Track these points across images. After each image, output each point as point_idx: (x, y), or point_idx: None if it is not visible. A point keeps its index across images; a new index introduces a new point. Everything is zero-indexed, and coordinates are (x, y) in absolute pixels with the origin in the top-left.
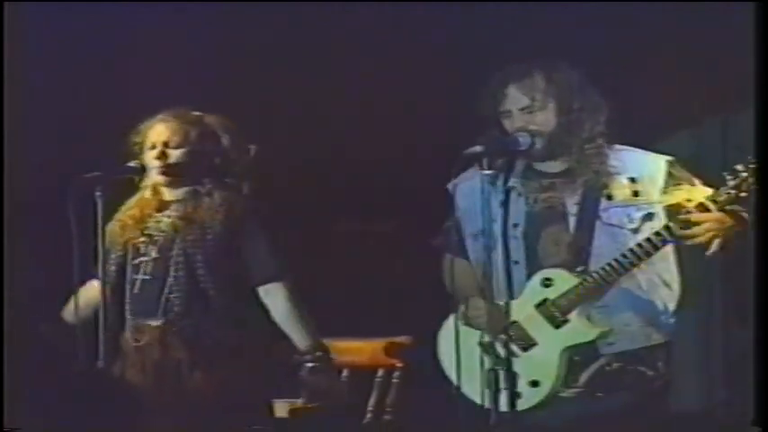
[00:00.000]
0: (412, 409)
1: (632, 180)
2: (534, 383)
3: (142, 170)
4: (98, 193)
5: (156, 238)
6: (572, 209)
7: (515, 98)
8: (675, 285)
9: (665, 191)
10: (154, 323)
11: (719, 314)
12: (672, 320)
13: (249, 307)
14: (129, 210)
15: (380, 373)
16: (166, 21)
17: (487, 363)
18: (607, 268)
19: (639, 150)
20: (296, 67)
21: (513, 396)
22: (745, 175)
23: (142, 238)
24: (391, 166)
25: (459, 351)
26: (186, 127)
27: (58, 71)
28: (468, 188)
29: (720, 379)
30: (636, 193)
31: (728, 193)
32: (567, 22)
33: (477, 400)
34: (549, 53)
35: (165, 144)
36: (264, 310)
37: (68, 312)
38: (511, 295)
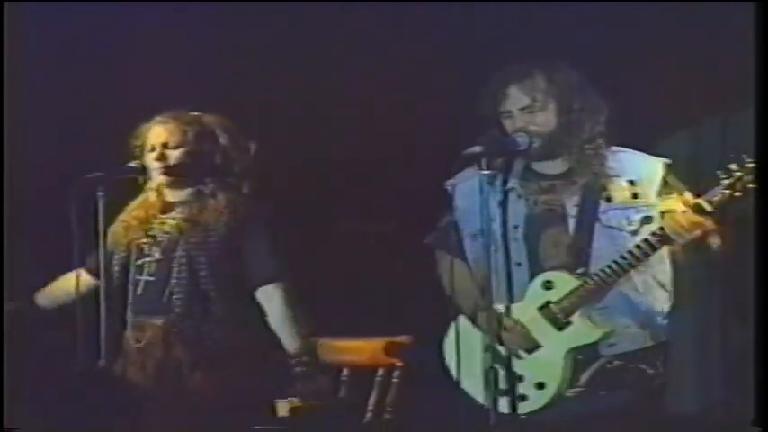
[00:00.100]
0: (412, 408)
1: (631, 183)
2: (540, 385)
3: (143, 170)
4: (100, 194)
5: (159, 239)
6: (571, 211)
7: (516, 98)
8: (671, 287)
9: (658, 196)
10: (156, 323)
11: (719, 314)
12: (668, 321)
13: (250, 308)
14: (134, 211)
15: (380, 372)
16: (166, 21)
17: (487, 361)
18: (606, 270)
19: (637, 153)
20: (296, 67)
21: (518, 399)
22: (739, 174)
23: (146, 239)
24: (391, 166)
25: (460, 352)
26: (184, 127)
27: (58, 71)
28: (468, 188)
29: (719, 379)
30: (635, 196)
31: (723, 193)
32: (566, 22)
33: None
34: (549, 53)
35: (164, 145)
36: (262, 312)
37: (41, 294)
38: (511, 297)
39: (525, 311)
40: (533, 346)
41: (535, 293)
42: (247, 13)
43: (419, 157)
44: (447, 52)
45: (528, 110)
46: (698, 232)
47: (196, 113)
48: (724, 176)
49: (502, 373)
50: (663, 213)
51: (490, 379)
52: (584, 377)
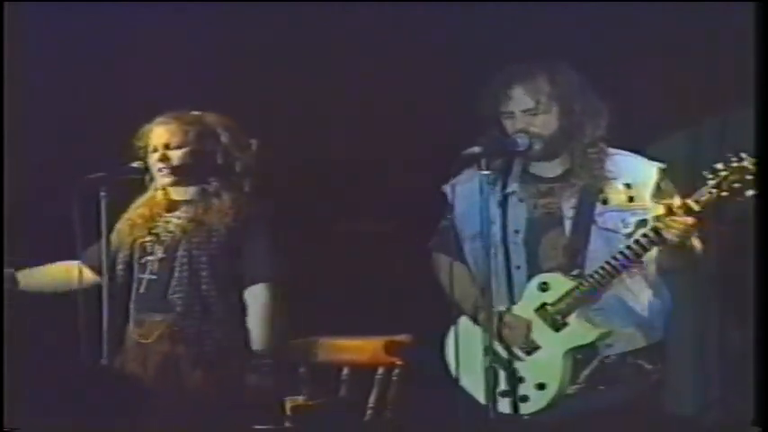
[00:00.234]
0: (412, 406)
1: (627, 186)
2: (541, 386)
3: (146, 170)
4: (102, 194)
5: (163, 238)
6: (568, 212)
7: (520, 100)
8: (661, 288)
9: (653, 199)
10: (158, 321)
11: (717, 314)
12: (667, 321)
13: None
14: (139, 208)
15: (381, 371)
16: (166, 21)
17: (486, 361)
18: (600, 271)
19: (633, 155)
20: (296, 67)
21: (519, 400)
22: (724, 174)
23: (149, 238)
24: (391, 166)
25: (459, 353)
26: (185, 127)
27: (58, 71)
28: (468, 190)
29: (718, 379)
30: (631, 199)
31: (710, 193)
32: (566, 22)
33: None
34: (549, 53)
35: (166, 146)
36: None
37: (23, 273)
38: (512, 299)
39: (522, 313)
40: (533, 347)
41: (531, 295)
42: (247, 13)
43: (419, 157)
44: (447, 52)
45: (531, 112)
46: (687, 233)
47: (197, 113)
48: (710, 177)
49: (503, 374)
50: (655, 215)
51: (490, 378)
52: (584, 375)
